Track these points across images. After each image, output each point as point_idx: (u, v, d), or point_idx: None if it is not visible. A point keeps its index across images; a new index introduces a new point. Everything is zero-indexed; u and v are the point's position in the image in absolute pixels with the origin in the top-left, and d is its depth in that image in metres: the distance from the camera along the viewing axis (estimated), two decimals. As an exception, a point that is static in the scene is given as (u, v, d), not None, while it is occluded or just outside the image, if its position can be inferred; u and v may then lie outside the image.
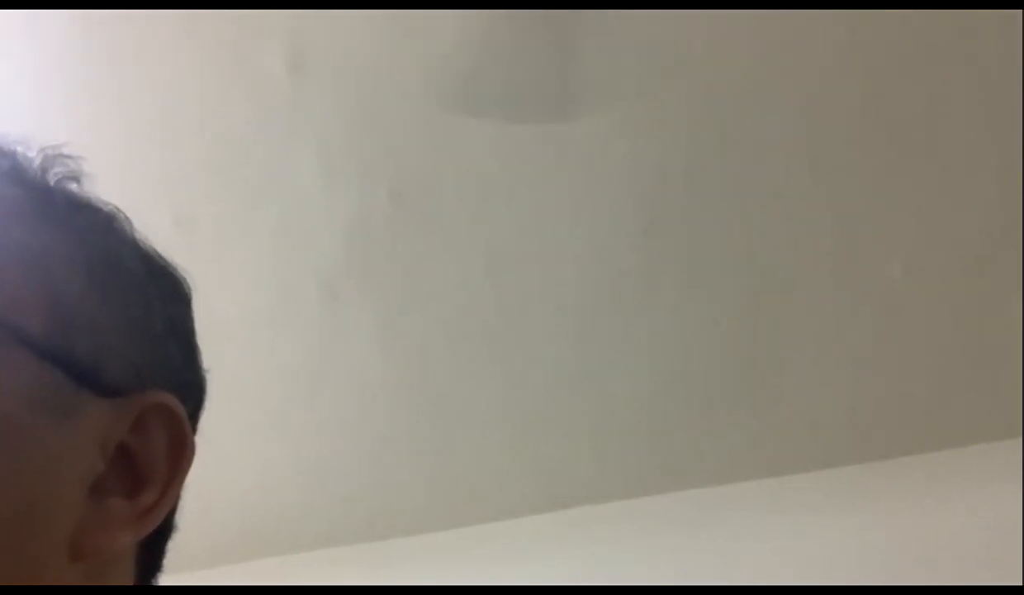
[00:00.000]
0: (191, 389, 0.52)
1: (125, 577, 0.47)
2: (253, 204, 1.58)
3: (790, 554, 1.75)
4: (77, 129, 1.46)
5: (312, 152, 1.53)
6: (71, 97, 1.46)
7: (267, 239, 1.62)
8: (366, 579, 1.89)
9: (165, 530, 0.50)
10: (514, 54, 1.42)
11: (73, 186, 0.49)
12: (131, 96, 1.47)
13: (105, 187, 0.52)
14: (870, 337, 1.68)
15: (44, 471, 0.42)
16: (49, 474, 0.42)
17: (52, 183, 0.48)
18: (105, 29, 1.40)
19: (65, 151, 0.49)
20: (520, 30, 1.40)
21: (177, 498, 0.48)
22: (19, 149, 0.48)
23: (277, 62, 1.44)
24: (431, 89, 1.46)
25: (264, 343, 1.73)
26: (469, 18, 1.39)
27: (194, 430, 0.50)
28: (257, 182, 1.56)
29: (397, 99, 1.47)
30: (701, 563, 1.79)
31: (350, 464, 1.88)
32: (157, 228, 0.54)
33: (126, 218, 0.51)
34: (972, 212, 1.56)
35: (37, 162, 0.48)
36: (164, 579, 0.52)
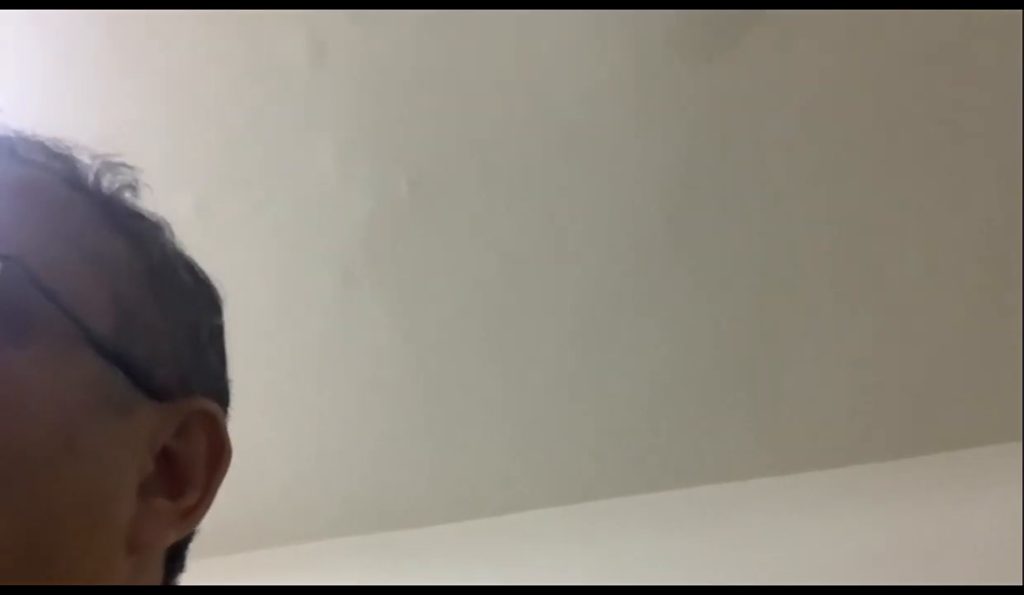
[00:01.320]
0: (224, 397, 0.54)
1: (156, 575, 0.49)
2: (270, 193, 1.58)
3: (789, 553, 1.76)
4: (95, 118, 1.45)
5: (331, 141, 1.52)
6: (89, 85, 1.45)
7: (283, 228, 1.61)
8: (366, 570, 1.90)
9: (190, 534, 0.51)
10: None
11: (128, 195, 0.51)
12: (149, 84, 1.47)
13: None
14: (870, 337, 1.69)
15: (110, 463, 0.44)
16: (114, 466, 0.44)
17: (109, 191, 0.50)
18: (122, 16, 1.40)
19: (121, 160, 0.51)
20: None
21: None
22: (75, 153, 0.49)
23: (297, 51, 1.43)
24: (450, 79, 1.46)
25: (275, 333, 1.72)
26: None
27: None
28: (274, 171, 1.55)
29: (417, 90, 1.47)
30: (701, 559, 1.79)
31: (353, 457, 1.88)
32: (173, 216, 0.54)
33: (170, 229, 0.53)
34: (972, 212, 1.56)
35: (95, 169, 0.50)
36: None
